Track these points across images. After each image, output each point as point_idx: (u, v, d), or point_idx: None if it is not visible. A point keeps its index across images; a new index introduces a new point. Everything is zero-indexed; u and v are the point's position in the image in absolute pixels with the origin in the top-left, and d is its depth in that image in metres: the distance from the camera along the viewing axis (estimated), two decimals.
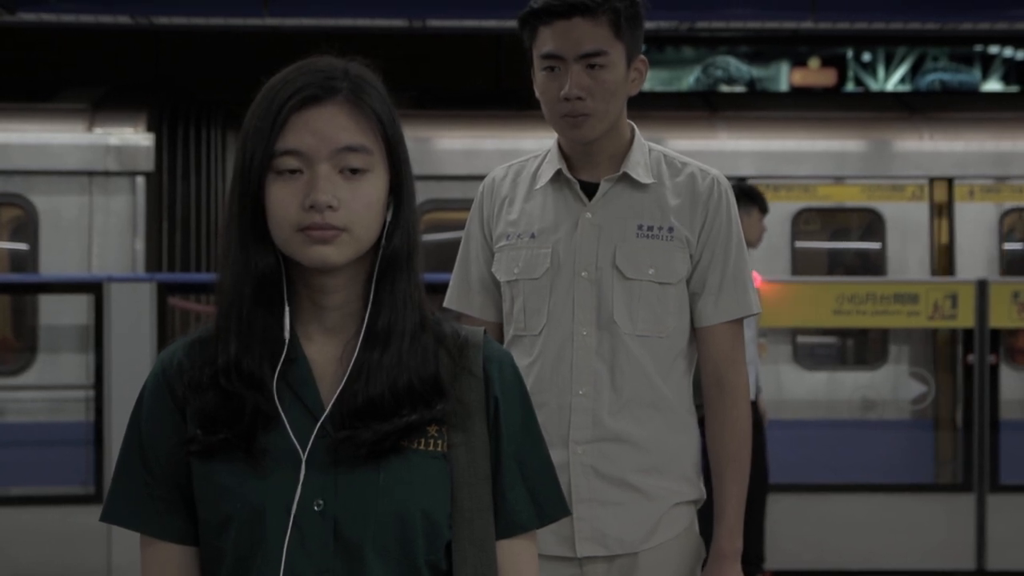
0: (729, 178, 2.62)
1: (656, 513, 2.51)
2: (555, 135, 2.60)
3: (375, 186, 1.54)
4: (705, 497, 2.60)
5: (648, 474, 2.51)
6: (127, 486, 1.57)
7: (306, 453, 1.51)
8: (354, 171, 1.53)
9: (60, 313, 6.56)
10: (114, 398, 5.77)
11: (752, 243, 5.89)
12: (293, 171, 1.52)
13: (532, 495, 1.61)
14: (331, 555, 1.50)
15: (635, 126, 2.59)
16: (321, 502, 1.51)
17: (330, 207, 1.50)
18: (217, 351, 1.54)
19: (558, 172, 2.55)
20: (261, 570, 1.50)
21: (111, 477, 1.59)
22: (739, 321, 2.57)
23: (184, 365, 1.56)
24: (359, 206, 1.52)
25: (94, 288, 5.95)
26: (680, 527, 2.54)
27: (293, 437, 1.52)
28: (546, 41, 2.47)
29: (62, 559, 5.86)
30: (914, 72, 15.14)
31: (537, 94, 2.53)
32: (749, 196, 5.84)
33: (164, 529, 1.56)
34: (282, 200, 1.52)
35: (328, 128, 1.52)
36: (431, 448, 1.54)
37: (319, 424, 1.52)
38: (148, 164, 6.76)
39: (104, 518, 1.58)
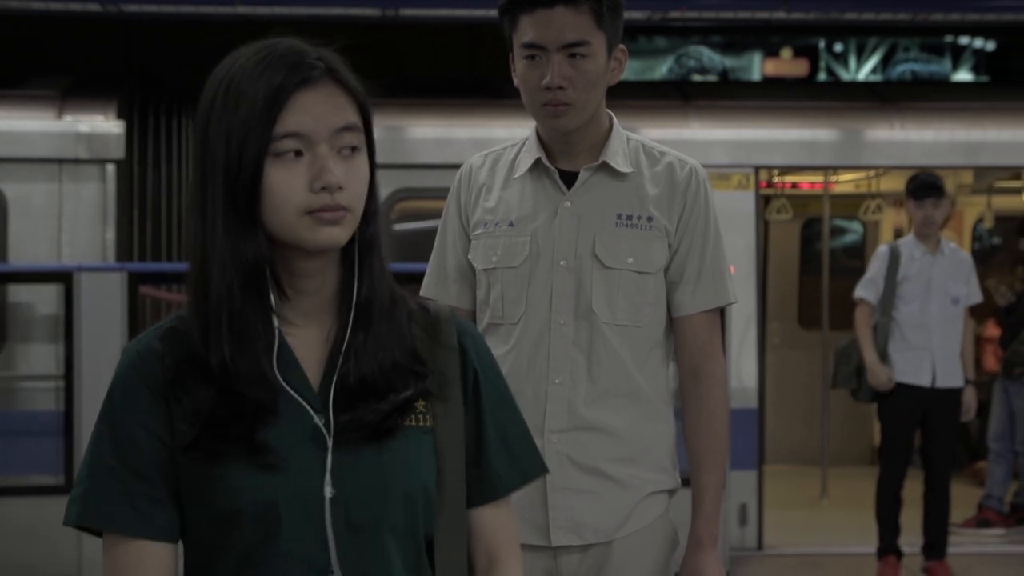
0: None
1: (630, 502, 2.52)
2: (528, 124, 2.60)
3: (365, 164, 1.55)
4: (680, 486, 2.61)
5: (623, 463, 2.51)
6: (102, 486, 1.50)
7: (326, 441, 1.51)
8: (352, 150, 1.53)
9: (30, 302, 6.51)
10: (85, 388, 5.73)
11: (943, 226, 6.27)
12: (296, 153, 1.50)
13: (514, 458, 1.64)
14: (345, 540, 1.50)
15: (613, 115, 2.59)
16: (332, 488, 1.50)
17: (340, 188, 1.50)
18: (206, 346, 1.50)
19: (537, 161, 2.55)
20: (272, 562, 1.49)
21: (77, 480, 1.52)
22: (716, 311, 2.58)
23: (166, 359, 1.52)
24: (358, 185, 1.53)
25: (64, 278, 5.90)
26: (653, 515, 2.54)
27: (298, 426, 1.51)
28: (527, 30, 2.46)
29: (32, 550, 5.82)
30: (885, 62, 15.20)
31: (516, 82, 2.52)
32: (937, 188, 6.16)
33: (151, 528, 1.51)
34: (286, 183, 1.50)
35: (325, 109, 1.51)
36: (421, 424, 1.56)
37: (319, 411, 1.52)
38: (119, 152, 6.70)
39: (76, 521, 1.50)
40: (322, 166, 1.50)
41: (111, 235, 6.71)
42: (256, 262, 1.51)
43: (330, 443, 1.51)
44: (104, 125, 6.76)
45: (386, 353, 1.54)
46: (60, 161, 6.68)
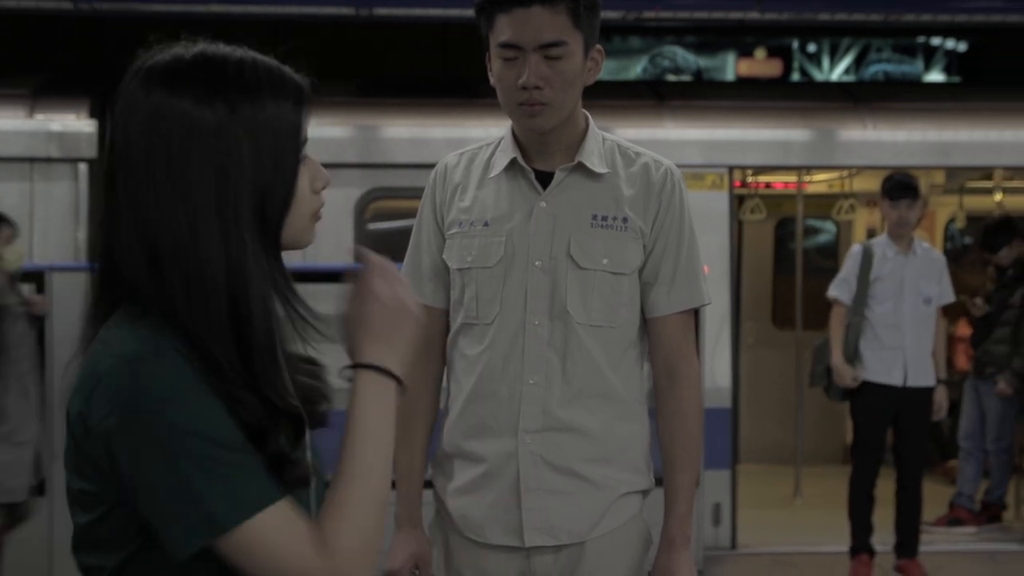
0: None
1: (604, 502, 2.52)
2: (504, 123, 2.59)
3: None
4: (654, 486, 2.61)
5: (596, 464, 2.51)
6: (239, 471, 1.41)
7: (304, 436, 1.54)
8: None
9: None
10: (56, 388, 5.70)
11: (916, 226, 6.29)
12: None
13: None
14: None
15: (589, 115, 2.58)
16: (314, 480, 1.54)
17: None
18: (250, 367, 1.45)
19: (513, 161, 2.54)
20: None
21: (204, 484, 1.38)
22: (691, 312, 2.58)
23: (196, 367, 1.44)
24: None
25: (36, 277, 5.87)
26: (627, 515, 2.55)
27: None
28: (504, 29, 2.45)
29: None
30: (858, 63, 15.29)
31: (493, 82, 2.51)
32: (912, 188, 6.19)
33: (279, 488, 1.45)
34: (305, 188, 1.54)
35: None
36: None
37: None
38: (91, 151, 6.67)
39: (240, 514, 1.39)
40: (318, 166, 1.54)
41: (83, 235, 6.67)
42: (286, 278, 1.51)
43: (309, 438, 1.53)
44: (76, 124, 6.72)
45: (302, 347, 1.58)
46: (31, 160, 6.64)
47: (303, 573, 1.41)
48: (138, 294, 1.47)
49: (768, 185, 9.15)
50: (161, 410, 1.39)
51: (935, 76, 15.09)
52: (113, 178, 1.49)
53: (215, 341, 1.44)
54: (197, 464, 1.38)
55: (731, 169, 7.01)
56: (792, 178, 8.68)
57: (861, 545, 6.29)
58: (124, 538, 1.45)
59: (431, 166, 2.68)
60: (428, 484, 2.65)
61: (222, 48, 1.52)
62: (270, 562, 1.41)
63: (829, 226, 9.72)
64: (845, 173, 8.55)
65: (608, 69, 13.78)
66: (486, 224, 2.54)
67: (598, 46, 2.53)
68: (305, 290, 1.56)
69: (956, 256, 9.30)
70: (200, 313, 1.44)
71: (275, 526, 1.41)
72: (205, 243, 1.45)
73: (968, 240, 9.76)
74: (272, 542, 1.40)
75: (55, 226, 6.64)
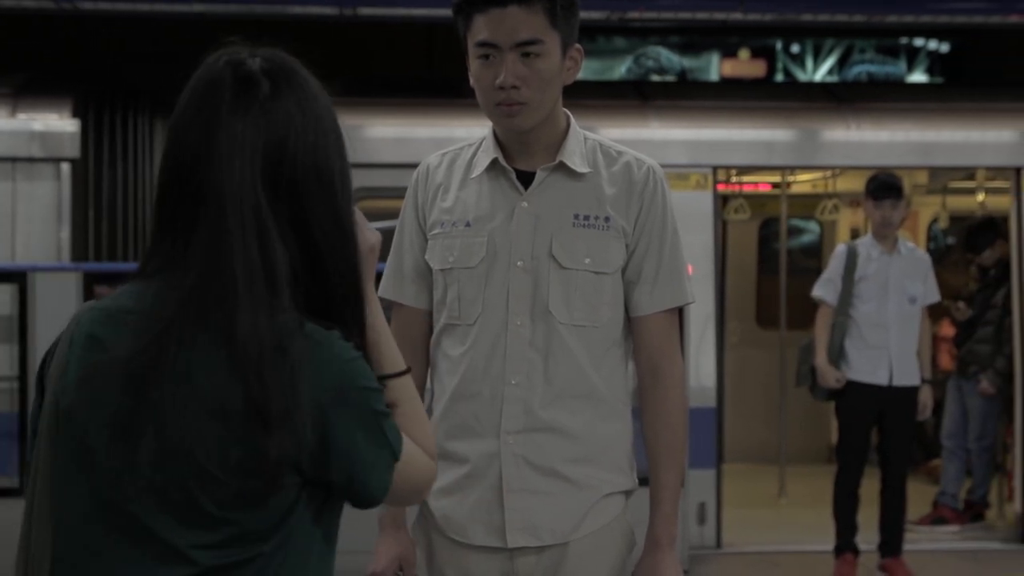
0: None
1: (586, 503, 2.52)
2: (487, 124, 2.59)
3: None
4: (637, 486, 2.61)
5: (578, 464, 2.51)
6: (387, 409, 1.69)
7: None
8: None
9: None
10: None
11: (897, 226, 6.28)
12: None
13: None
14: None
15: (570, 115, 2.58)
16: None
17: None
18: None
19: (494, 161, 2.54)
20: None
21: (385, 425, 1.62)
22: (674, 311, 2.58)
23: None
24: None
25: (18, 278, 5.84)
26: (610, 516, 2.54)
27: None
28: (481, 29, 2.45)
29: None
30: (841, 64, 15.33)
31: (472, 82, 2.51)
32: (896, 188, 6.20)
33: None
34: None
35: None
36: None
37: None
38: (74, 151, 6.65)
39: (400, 439, 1.64)
40: None
41: (66, 235, 6.65)
42: None
43: None
44: (59, 123, 6.69)
45: None
46: (14, 160, 6.62)
47: (430, 473, 1.71)
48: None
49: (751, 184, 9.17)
50: (355, 374, 1.61)
51: (918, 77, 15.14)
52: (266, 181, 1.60)
53: (356, 328, 1.65)
54: (380, 412, 1.62)
55: (715, 169, 7.02)
56: (776, 178, 8.69)
57: (845, 544, 6.31)
58: (275, 528, 1.58)
59: (415, 166, 2.68)
60: None
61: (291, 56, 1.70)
62: (416, 471, 1.68)
63: (813, 226, 9.75)
64: (829, 173, 8.57)
65: (592, 69, 13.80)
66: (468, 224, 2.53)
67: (577, 45, 2.53)
68: None
69: (939, 256, 9.33)
70: (350, 302, 1.65)
71: (411, 445, 1.67)
72: (349, 242, 1.67)
73: (951, 240, 9.79)
74: (413, 456, 1.67)
75: (37, 226, 6.62)
